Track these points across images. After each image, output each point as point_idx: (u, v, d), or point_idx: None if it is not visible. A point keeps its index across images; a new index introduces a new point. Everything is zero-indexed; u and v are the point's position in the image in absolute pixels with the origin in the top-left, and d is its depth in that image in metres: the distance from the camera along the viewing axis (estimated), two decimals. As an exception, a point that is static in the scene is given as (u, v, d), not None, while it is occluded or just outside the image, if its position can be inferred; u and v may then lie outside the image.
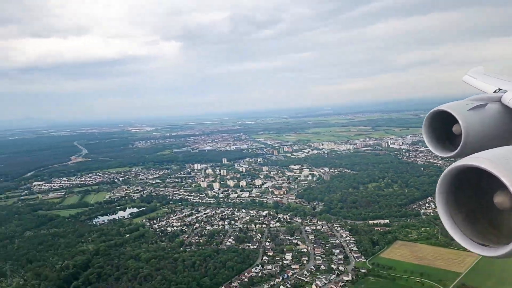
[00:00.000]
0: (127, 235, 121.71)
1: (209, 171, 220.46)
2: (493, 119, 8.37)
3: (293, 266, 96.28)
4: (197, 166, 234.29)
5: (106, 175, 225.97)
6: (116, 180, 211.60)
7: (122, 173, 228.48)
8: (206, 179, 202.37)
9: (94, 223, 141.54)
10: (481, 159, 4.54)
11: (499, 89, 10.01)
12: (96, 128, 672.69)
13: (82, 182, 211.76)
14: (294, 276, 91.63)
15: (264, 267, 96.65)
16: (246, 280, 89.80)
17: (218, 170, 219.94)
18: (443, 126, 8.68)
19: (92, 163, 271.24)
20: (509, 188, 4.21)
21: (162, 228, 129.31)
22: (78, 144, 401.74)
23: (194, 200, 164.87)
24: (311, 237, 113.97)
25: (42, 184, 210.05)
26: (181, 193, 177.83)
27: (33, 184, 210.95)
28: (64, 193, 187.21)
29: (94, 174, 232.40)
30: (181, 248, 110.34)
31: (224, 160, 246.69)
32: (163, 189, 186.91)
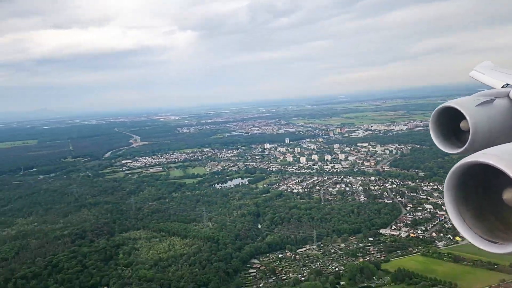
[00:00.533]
0: (267, 194, 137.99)
1: (282, 149, 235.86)
2: (501, 115, 8.21)
3: (440, 212, 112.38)
4: (267, 145, 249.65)
5: (184, 155, 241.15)
6: (200, 158, 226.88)
7: (198, 153, 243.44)
8: (284, 155, 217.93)
9: (220, 187, 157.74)
10: (489, 156, 4.45)
11: (507, 84, 9.68)
12: (122, 117, 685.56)
13: (167, 160, 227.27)
14: (448, 219, 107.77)
15: (414, 214, 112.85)
16: (409, 222, 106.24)
17: (289, 148, 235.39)
18: (450, 122, 8.60)
19: (156, 145, 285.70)
20: None
21: (289, 191, 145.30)
22: (122, 131, 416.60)
23: (292, 171, 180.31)
24: (435, 194, 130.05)
25: (130, 162, 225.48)
26: (274, 166, 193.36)
27: (122, 162, 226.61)
28: (161, 168, 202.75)
29: (171, 153, 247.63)
30: (322, 204, 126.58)
31: (287, 140, 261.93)
32: (253, 163, 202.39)
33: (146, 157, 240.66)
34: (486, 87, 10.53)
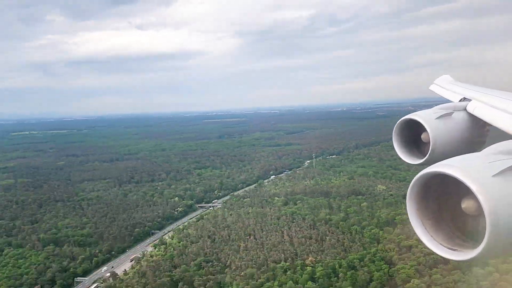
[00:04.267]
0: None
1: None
2: (459, 127, 8.59)
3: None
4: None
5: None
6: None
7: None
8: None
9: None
10: (448, 166, 4.61)
11: (464, 98, 10.01)
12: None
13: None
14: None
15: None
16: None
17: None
18: (412, 134, 8.91)
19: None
20: (475, 194, 4.28)
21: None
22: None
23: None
24: None
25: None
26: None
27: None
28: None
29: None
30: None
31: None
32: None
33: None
34: (445, 100, 10.99)
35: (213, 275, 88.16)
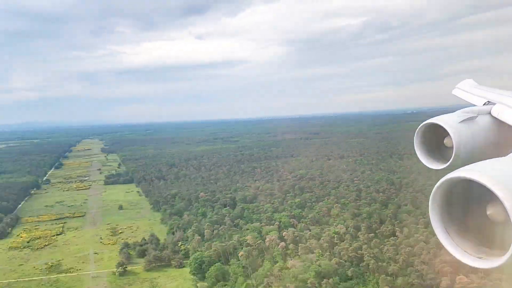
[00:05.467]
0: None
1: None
2: (483, 132, 8.42)
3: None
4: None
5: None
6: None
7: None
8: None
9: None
10: (472, 171, 4.50)
11: (489, 101, 9.82)
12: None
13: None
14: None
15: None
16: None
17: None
18: (434, 139, 8.74)
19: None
20: (501, 200, 4.16)
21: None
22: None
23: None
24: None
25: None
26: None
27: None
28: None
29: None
30: None
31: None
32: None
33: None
34: (469, 105, 10.81)
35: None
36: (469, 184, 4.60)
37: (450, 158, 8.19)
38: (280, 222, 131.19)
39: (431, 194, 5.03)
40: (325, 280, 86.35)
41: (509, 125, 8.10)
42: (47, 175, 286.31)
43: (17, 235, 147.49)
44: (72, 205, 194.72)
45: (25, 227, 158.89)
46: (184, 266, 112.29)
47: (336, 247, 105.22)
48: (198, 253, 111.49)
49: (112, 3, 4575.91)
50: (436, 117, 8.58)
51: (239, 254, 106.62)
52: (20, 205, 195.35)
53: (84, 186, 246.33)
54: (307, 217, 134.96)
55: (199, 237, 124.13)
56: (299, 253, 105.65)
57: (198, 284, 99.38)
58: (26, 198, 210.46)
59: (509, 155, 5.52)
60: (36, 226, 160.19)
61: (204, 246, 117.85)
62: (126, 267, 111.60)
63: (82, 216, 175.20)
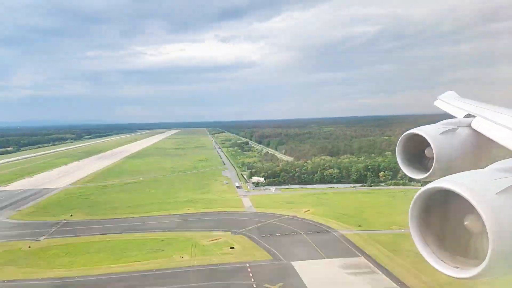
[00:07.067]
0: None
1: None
2: (463, 143, 8.51)
3: None
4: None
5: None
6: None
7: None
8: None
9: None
10: (452, 182, 4.56)
11: (469, 114, 9.87)
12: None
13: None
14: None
15: None
16: None
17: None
18: (416, 149, 8.84)
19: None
20: (478, 211, 4.22)
21: None
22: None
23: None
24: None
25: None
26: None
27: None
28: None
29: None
30: None
31: None
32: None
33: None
34: (449, 116, 10.96)
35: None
36: (448, 195, 4.63)
37: (431, 168, 8.32)
38: None
39: (411, 203, 5.07)
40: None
41: (488, 138, 8.15)
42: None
43: None
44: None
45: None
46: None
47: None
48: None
49: (152, 6, 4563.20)
50: (418, 128, 8.71)
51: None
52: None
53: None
54: None
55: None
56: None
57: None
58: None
59: (487, 167, 5.51)
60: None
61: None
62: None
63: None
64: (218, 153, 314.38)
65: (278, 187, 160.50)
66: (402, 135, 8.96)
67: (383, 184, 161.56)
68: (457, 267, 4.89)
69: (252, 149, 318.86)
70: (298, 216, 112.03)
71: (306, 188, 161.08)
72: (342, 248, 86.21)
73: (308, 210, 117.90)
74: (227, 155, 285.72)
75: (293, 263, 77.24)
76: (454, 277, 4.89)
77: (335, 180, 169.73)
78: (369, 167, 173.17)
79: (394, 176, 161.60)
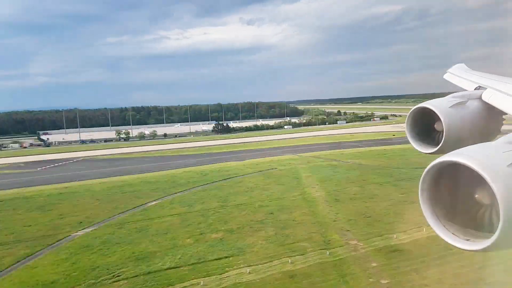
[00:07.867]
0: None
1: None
2: (473, 116, 8.48)
3: None
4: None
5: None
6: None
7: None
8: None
9: None
10: (462, 155, 4.59)
11: (480, 86, 9.70)
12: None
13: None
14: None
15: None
16: None
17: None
18: (425, 123, 8.88)
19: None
20: (489, 183, 4.25)
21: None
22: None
23: None
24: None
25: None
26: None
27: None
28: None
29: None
30: None
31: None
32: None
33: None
34: (459, 89, 10.66)
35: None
36: (459, 168, 4.60)
37: (440, 142, 8.23)
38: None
39: (421, 177, 4.98)
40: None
41: (498, 110, 8.08)
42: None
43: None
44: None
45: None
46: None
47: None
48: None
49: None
50: (427, 102, 8.61)
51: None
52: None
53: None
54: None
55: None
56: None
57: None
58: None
59: (497, 140, 5.47)
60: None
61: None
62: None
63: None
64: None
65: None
66: (411, 109, 8.91)
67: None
68: (468, 240, 4.90)
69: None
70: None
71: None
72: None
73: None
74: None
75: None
76: (465, 250, 4.89)
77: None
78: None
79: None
